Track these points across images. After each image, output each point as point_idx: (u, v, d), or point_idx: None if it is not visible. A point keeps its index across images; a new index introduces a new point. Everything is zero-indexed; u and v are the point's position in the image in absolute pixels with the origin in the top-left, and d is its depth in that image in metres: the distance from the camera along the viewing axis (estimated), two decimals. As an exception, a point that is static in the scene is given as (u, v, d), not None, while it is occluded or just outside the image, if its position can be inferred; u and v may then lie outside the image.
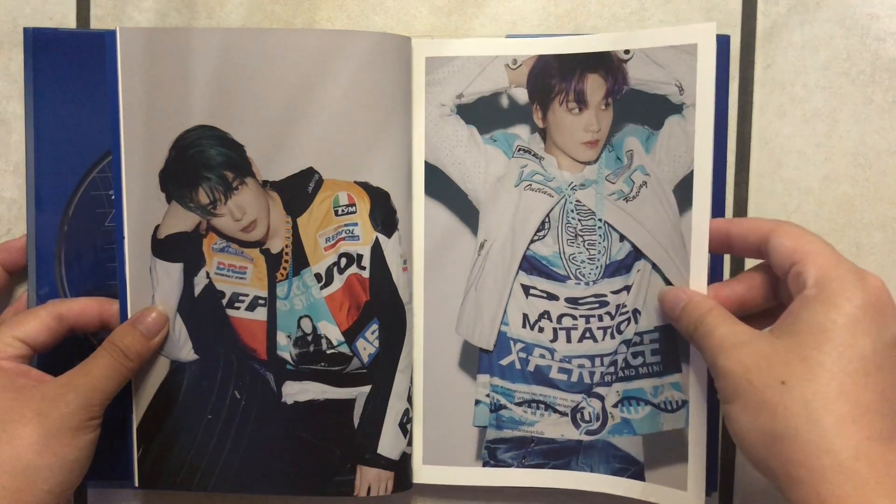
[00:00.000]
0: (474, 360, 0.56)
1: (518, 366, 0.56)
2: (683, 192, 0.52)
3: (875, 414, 0.40)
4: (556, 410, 0.56)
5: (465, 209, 0.56)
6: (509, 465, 0.56)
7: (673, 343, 0.54)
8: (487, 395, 0.56)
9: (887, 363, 0.41)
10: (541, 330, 0.56)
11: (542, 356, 0.56)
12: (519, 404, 0.56)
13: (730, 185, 0.56)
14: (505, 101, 0.55)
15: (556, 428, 0.56)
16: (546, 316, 0.56)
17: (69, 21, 0.57)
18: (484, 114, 0.55)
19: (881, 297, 0.43)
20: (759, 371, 0.42)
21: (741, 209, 0.57)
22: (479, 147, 0.55)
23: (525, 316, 0.56)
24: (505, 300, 0.56)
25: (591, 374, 0.55)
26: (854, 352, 0.41)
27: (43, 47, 0.55)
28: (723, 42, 0.54)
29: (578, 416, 0.56)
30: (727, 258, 0.57)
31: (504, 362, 0.56)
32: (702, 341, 0.47)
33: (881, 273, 0.56)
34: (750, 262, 0.57)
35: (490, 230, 0.55)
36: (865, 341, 0.41)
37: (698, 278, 0.52)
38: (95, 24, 0.57)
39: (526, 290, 0.56)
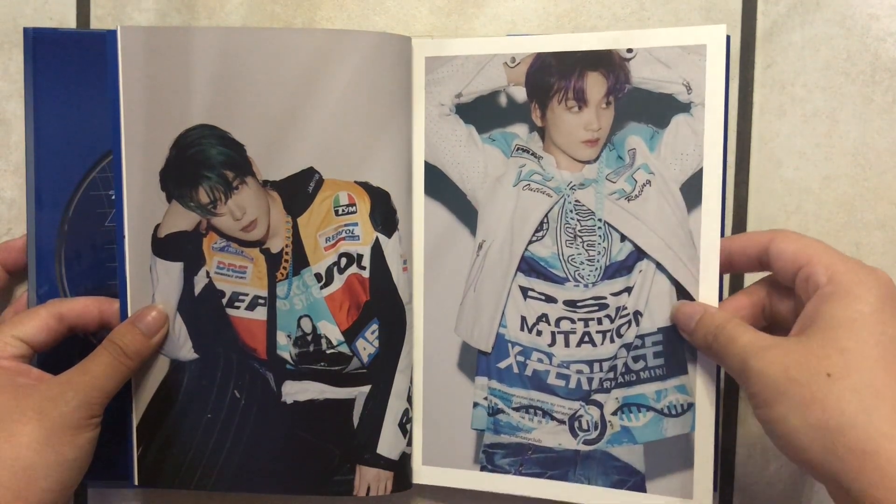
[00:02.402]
0: (473, 361, 0.56)
1: (516, 370, 0.56)
2: (691, 191, 0.52)
3: None
4: (553, 418, 0.55)
5: (464, 209, 0.56)
6: (507, 472, 0.56)
7: (678, 344, 0.53)
8: (485, 398, 0.56)
9: None
10: (539, 333, 0.55)
11: (540, 360, 0.55)
12: (516, 409, 0.56)
13: (730, 185, 0.56)
14: (503, 100, 0.55)
15: (553, 436, 0.55)
16: (544, 319, 0.55)
17: (69, 21, 0.57)
18: (483, 113, 0.55)
19: (891, 287, 0.44)
20: (800, 367, 0.42)
21: (741, 209, 0.57)
22: (477, 146, 0.55)
23: (523, 318, 0.56)
24: (503, 302, 0.56)
25: (590, 380, 0.55)
26: (888, 339, 0.42)
27: (43, 47, 0.55)
28: (723, 42, 0.54)
29: (576, 424, 0.55)
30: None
31: (502, 365, 0.56)
32: (725, 349, 0.47)
33: (881, 273, 0.56)
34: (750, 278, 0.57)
35: (488, 230, 0.55)
36: (893, 329, 0.42)
37: (709, 277, 0.51)
38: (95, 24, 0.57)
39: (524, 291, 0.55)
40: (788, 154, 0.57)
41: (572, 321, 0.55)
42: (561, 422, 0.55)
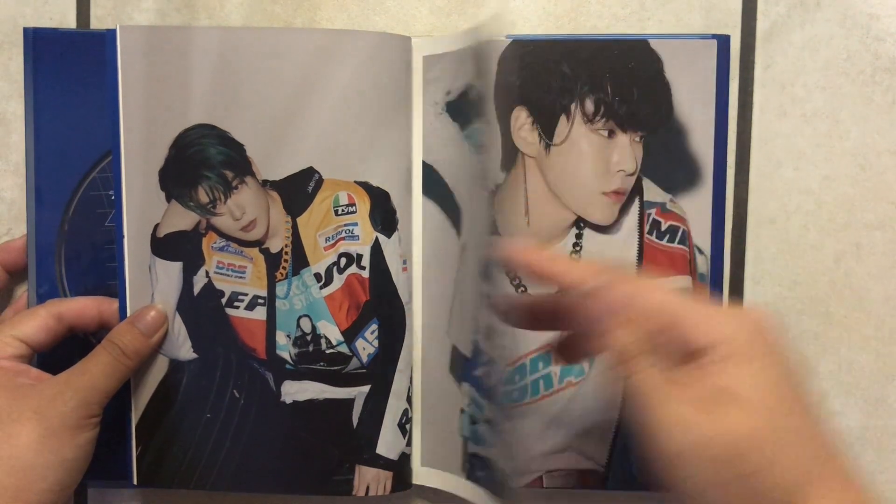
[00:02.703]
0: (461, 366, 0.55)
1: (485, 380, 0.53)
2: None
3: (837, 452, 0.38)
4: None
5: (452, 210, 0.55)
6: (483, 485, 0.53)
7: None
8: (469, 405, 0.55)
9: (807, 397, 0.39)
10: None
11: (497, 375, 0.52)
12: (486, 422, 0.53)
13: (730, 185, 0.56)
14: (474, 94, 0.53)
15: None
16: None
17: (69, 21, 0.57)
18: (463, 110, 0.54)
19: (769, 329, 0.39)
20: (730, 464, 0.37)
21: (741, 209, 0.57)
22: (461, 144, 0.54)
23: (488, 327, 0.52)
24: (474, 307, 0.53)
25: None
26: (804, 405, 0.38)
27: (43, 47, 0.55)
28: (723, 42, 0.54)
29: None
30: (727, 268, 0.56)
31: (478, 373, 0.54)
32: (639, 393, 0.39)
33: (881, 273, 0.56)
34: (751, 275, 0.57)
35: (466, 232, 0.54)
36: (799, 405, 0.38)
37: None
38: (95, 24, 0.57)
39: (485, 298, 0.52)
40: (788, 154, 0.57)
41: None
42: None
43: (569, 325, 0.45)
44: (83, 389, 0.49)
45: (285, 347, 0.55)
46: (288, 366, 0.55)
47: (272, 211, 0.54)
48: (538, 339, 0.55)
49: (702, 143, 0.54)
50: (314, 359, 0.55)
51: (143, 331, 0.52)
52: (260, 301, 0.55)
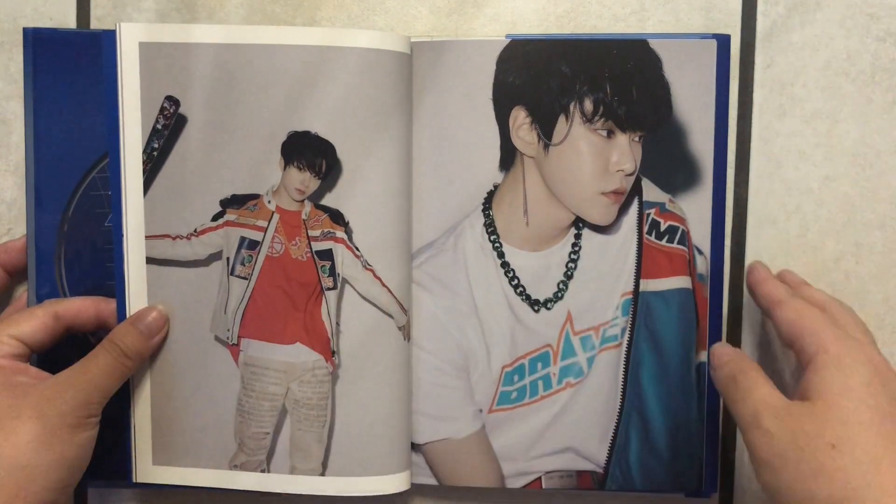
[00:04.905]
0: None
1: None
2: None
3: None
4: None
5: None
6: None
7: None
8: None
9: None
10: None
11: None
12: None
13: (730, 185, 0.56)
14: None
15: None
16: None
17: (69, 21, 0.57)
18: None
19: (875, 358, 0.46)
20: (807, 437, 0.43)
21: (741, 209, 0.57)
22: None
23: None
24: None
25: None
26: (880, 409, 0.43)
27: (43, 47, 0.55)
28: (723, 42, 0.54)
29: None
30: (727, 268, 0.56)
31: None
32: (741, 396, 0.47)
33: (881, 273, 0.56)
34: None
35: None
36: (882, 398, 0.44)
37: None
38: (95, 24, 0.58)
39: None
40: (788, 154, 0.57)
41: None
42: None
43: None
44: (83, 389, 0.49)
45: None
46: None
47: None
48: (537, 340, 0.55)
49: (701, 142, 0.54)
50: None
51: (143, 332, 0.52)
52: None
